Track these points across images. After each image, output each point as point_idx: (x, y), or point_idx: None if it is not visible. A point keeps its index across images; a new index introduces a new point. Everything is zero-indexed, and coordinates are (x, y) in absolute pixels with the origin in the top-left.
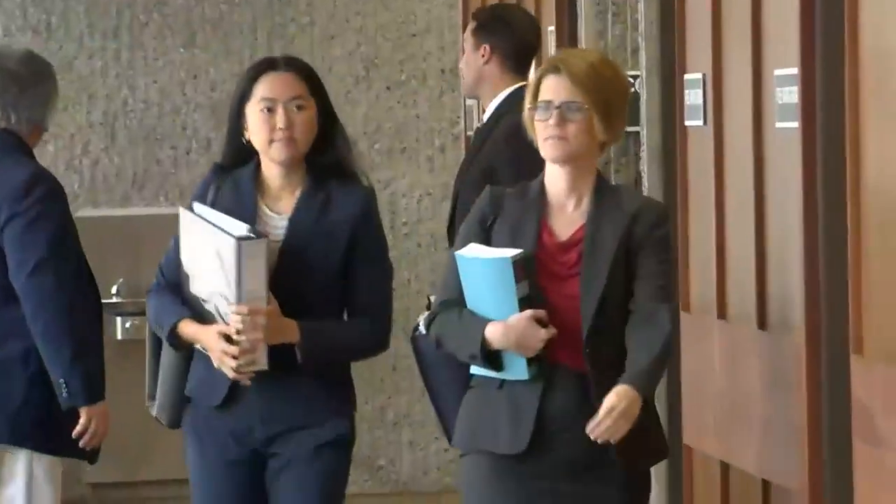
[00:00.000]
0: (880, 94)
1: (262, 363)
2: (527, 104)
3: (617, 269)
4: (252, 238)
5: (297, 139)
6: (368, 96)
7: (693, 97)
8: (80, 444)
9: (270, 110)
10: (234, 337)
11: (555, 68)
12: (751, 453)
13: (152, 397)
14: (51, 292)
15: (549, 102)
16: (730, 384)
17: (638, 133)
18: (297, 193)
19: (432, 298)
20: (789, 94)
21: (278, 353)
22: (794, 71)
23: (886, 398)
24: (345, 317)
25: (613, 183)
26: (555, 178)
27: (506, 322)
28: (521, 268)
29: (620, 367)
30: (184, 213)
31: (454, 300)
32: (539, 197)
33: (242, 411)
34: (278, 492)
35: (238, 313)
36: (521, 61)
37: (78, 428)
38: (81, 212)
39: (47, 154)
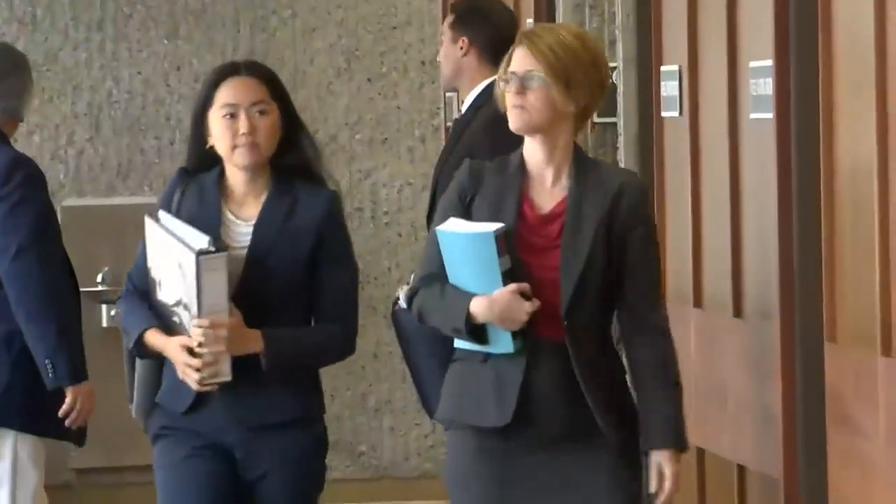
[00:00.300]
0: (853, 86)
1: (226, 374)
2: (500, 76)
3: (598, 243)
4: (212, 252)
5: (260, 144)
6: (350, 88)
7: (669, 88)
8: (67, 422)
9: (233, 116)
10: (196, 350)
11: (521, 40)
12: (726, 439)
13: (132, 399)
14: (35, 276)
15: (513, 73)
16: (706, 371)
17: (615, 124)
18: (263, 198)
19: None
20: (764, 86)
21: (243, 363)
22: (769, 63)
23: (859, 384)
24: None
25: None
26: (531, 151)
27: (490, 296)
28: (503, 242)
29: (598, 337)
30: (149, 222)
31: (435, 274)
32: (519, 170)
33: (208, 418)
34: (256, 498)
35: (199, 326)
36: (499, 54)
37: (64, 407)
38: (67, 201)
39: (33, 144)
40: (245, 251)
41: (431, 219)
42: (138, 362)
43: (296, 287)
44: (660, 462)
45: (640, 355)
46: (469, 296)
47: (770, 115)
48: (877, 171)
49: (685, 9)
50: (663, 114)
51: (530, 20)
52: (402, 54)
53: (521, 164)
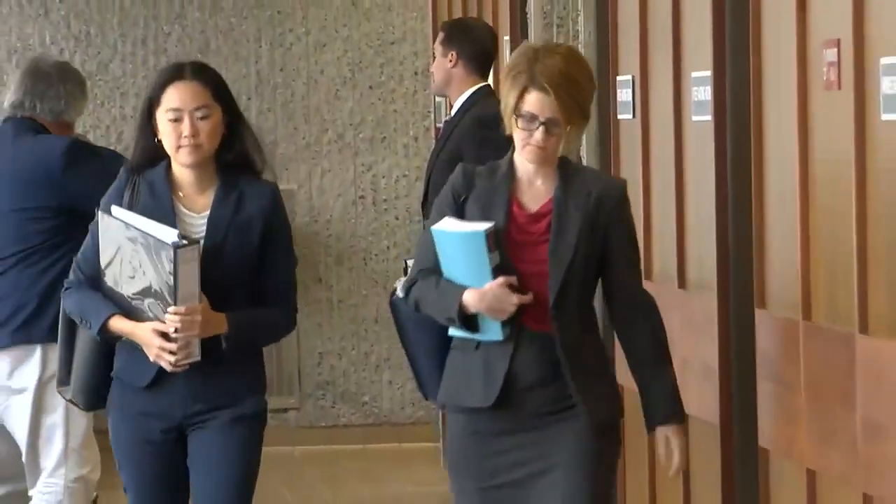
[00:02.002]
0: (778, 93)
1: (196, 355)
2: (508, 106)
3: (582, 240)
4: (186, 244)
5: (203, 144)
6: (354, 94)
7: (624, 95)
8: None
9: (178, 119)
10: (172, 335)
11: (541, 86)
12: None
13: (63, 382)
14: None
15: (534, 116)
16: None
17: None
18: (211, 192)
19: (409, 262)
20: (703, 93)
21: (204, 341)
22: (708, 73)
23: (785, 344)
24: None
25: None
26: (524, 161)
27: (481, 288)
28: (493, 239)
29: (581, 324)
30: (102, 216)
31: (430, 269)
32: (508, 174)
33: (167, 392)
34: (196, 462)
35: (176, 314)
36: (482, 65)
37: None
38: None
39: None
40: (201, 242)
41: (424, 205)
42: (80, 345)
43: (246, 273)
44: (667, 436)
45: (636, 333)
46: (462, 288)
47: (709, 118)
48: (798, 163)
49: (637, 28)
50: (619, 117)
51: (507, 37)
52: (398, 66)
53: (511, 167)
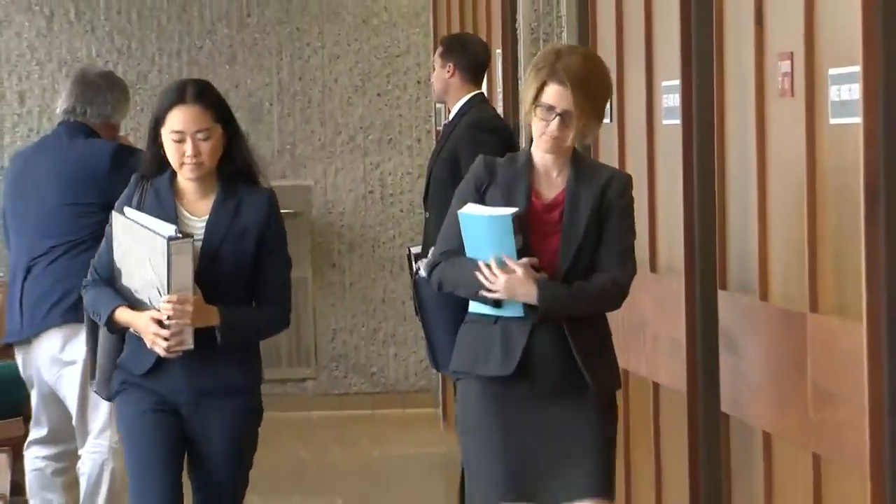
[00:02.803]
0: (739, 100)
1: (189, 343)
2: (528, 97)
3: (591, 226)
4: (179, 238)
5: (204, 162)
6: (364, 101)
7: None
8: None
9: (180, 140)
10: (166, 322)
11: (559, 78)
12: (644, 363)
13: (92, 377)
14: None
15: (552, 108)
16: (630, 314)
17: None
18: (211, 198)
19: (412, 249)
20: (673, 100)
21: (199, 336)
22: (677, 82)
23: (744, 321)
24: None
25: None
26: (541, 154)
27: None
28: (518, 223)
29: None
30: (116, 216)
31: (453, 251)
32: (526, 165)
33: (165, 378)
34: (201, 451)
35: (169, 302)
36: (477, 75)
37: None
38: None
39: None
40: (199, 243)
41: (426, 199)
42: (100, 341)
43: (242, 273)
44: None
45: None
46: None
47: (678, 122)
48: (755, 162)
49: (614, 42)
50: None
51: (499, 50)
52: (402, 76)
53: (529, 160)
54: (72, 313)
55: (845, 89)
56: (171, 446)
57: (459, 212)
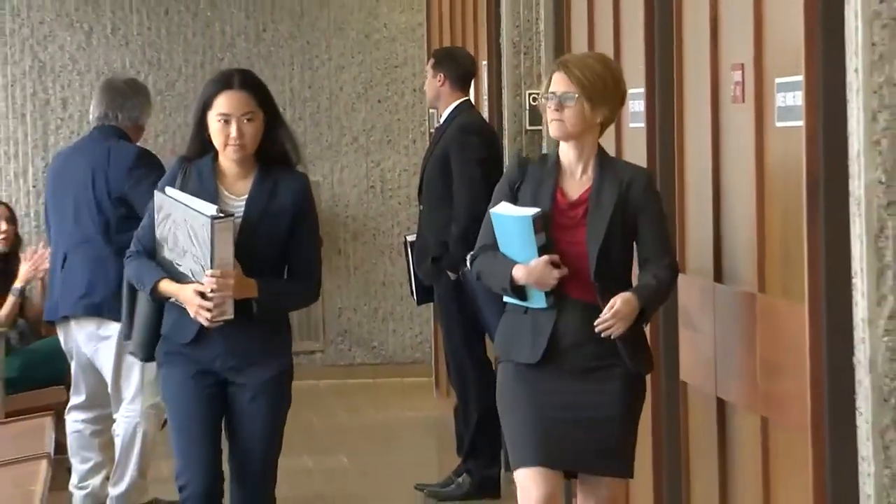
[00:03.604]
0: (696, 106)
1: (230, 313)
2: (542, 94)
3: (615, 222)
4: (222, 217)
5: (247, 144)
6: (366, 106)
7: None
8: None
9: (226, 122)
10: (209, 294)
11: (559, 65)
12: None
13: (128, 337)
14: None
15: (553, 93)
16: None
17: (541, 131)
18: (250, 179)
19: (408, 238)
20: (638, 105)
21: (237, 305)
22: (641, 90)
23: (699, 301)
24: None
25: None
26: (565, 152)
27: (528, 265)
28: (540, 223)
29: (621, 292)
30: (158, 195)
31: (490, 245)
32: (555, 166)
33: (207, 347)
34: (239, 413)
35: (213, 276)
36: (465, 84)
37: None
38: None
39: (158, 144)
40: (239, 221)
41: (420, 193)
42: (140, 307)
43: (277, 249)
44: (621, 297)
45: (650, 270)
46: (512, 263)
47: (642, 125)
48: (711, 160)
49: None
50: None
51: (484, 62)
52: (400, 84)
53: (557, 161)
54: (94, 309)
55: (790, 96)
56: (211, 411)
57: (491, 211)
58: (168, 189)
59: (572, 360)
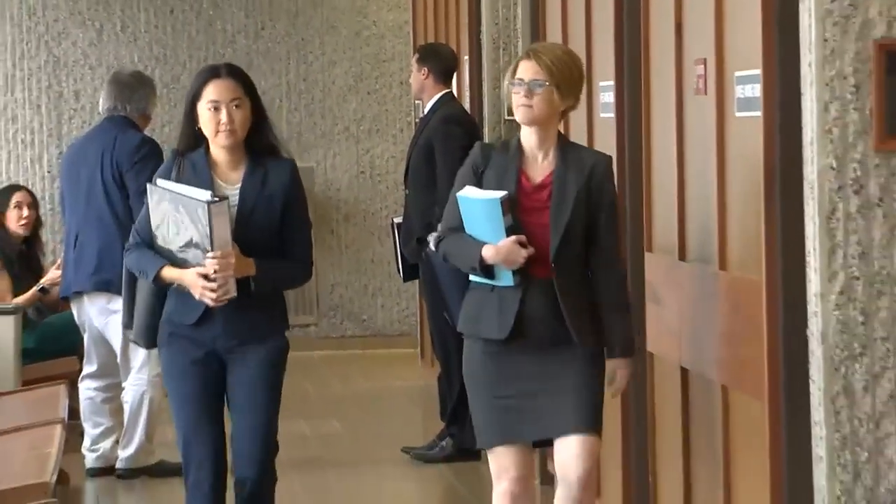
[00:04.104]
0: (662, 97)
1: (233, 292)
2: (507, 81)
3: (578, 205)
4: (217, 201)
5: (237, 130)
6: (357, 98)
7: None
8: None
9: (216, 109)
10: (212, 275)
11: (528, 55)
12: None
13: (127, 326)
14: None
15: (521, 80)
16: None
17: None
18: (242, 169)
19: (395, 220)
20: (608, 97)
21: (238, 284)
22: (611, 82)
23: (665, 277)
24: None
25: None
26: (527, 137)
27: (497, 245)
28: (507, 205)
29: (577, 274)
30: (151, 188)
31: (455, 228)
32: (517, 151)
33: (207, 328)
34: (239, 389)
35: (214, 257)
36: (447, 77)
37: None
38: None
39: (164, 133)
40: (234, 208)
41: (406, 178)
42: (140, 295)
43: (270, 233)
44: (614, 367)
45: (602, 279)
46: (481, 244)
47: (612, 115)
48: (675, 147)
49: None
50: None
51: (466, 56)
52: (388, 78)
53: (519, 146)
54: (104, 285)
55: (748, 88)
56: (212, 389)
57: (458, 194)
58: (160, 181)
59: (537, 335)
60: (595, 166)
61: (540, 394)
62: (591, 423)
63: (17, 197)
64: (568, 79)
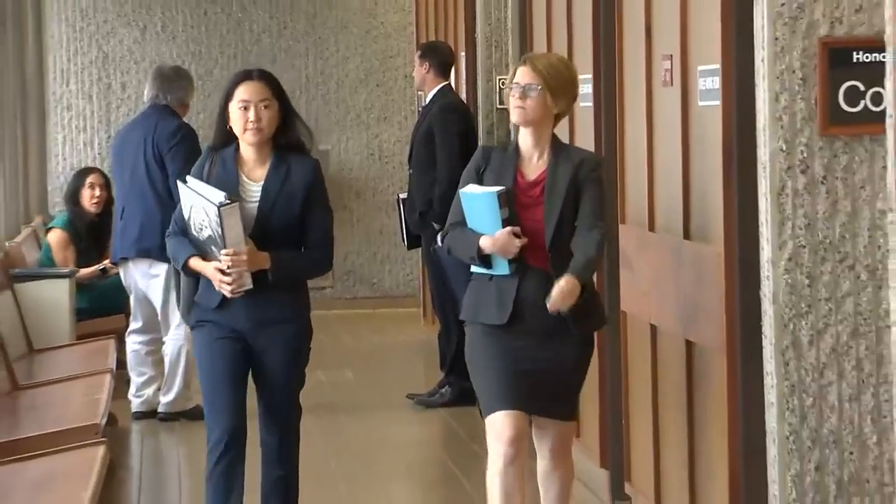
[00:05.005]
0: (634, 89)
1: (249, 284)
2: (507, 85)
3: (568, 199)
4: (228, 203)
5: (264, 128)
6: (367, 89)
7: None
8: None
9: (246, 108)
10: (226, 270)
11: (524, 62)
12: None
13: (177, 304)
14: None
15: (517, 84)
16: None
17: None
18: (267, 166)
19: (401, 196)
20: (587, 88)
21: (257, 274)
22: (590, 76)
23: (636, 245)
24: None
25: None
26: (524, 138)
27: (493, 236)
28: (504, 199)
29: (570, 261)
30: (180, 185)
31: (458, 222)
32: (514, 152)
33: (232, 312)
34: (262, 363)
35: (227, 255)
36: (445, 71)
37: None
38: None
39: (199, 120)
40: (256, 203)
41: (410, 160)
42: (182, 279)
43: (291, 226)
44: (560, 280)
45: (580, 235)
46: (479, 236)
47: (591, 104)
48: (646, 133)
49: (545, 45)
50: None
51: (463, 53)
52: (395, 72)
53: (516, 147)
54: (145, 252)
55: (709, 81)
56: (235, 367)
57: (460, 191)
58: (189, 179)
59: (533, 322)
60: (583, 161)
61: (533, 375)
62: (570, 413)
63: (90, 178)
64: (559, 84)
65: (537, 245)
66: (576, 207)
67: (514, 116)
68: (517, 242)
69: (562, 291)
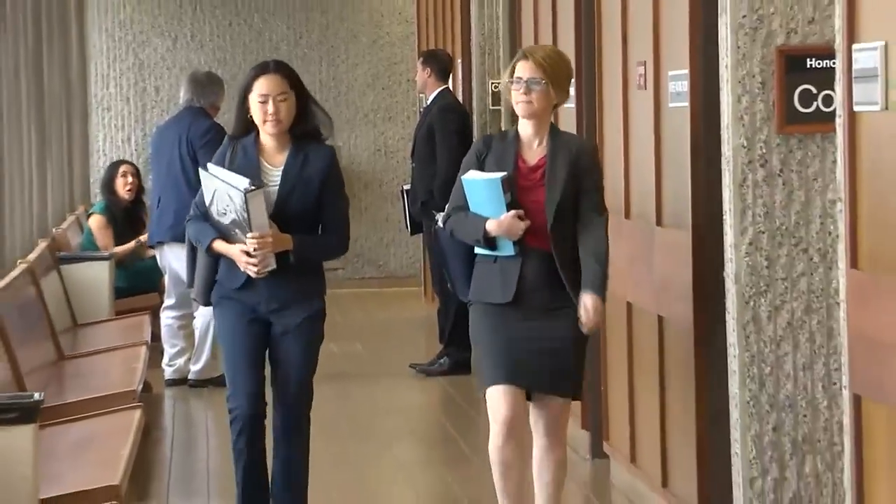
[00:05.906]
0: (613, 92)
1: (272, 265)
2: (505, 78)
3: (568, 183)
4: (253, 189)
5: (282, 120)
6: (374, 92)
7: None
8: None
9: (264, 101)
10: (252, 252)
11: (524, 56)
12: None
13: (191, 285)
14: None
15: (519, 78)
16: None
17: (499, 110)
18: (286, 153)
19: (405, 188)
20: (570, 91)
21: (279, 257)
22: (572, 79)
23: (613, 231)
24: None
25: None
26: (525, 127)
27: (498, 219)
28: (507, 184)
29: (570, 244)
30: (203, 172)
31: (461, 207)
32: (515, 139)
33: (252, 293)
34: (279, 345)
35: (252, 238)
36: (445, 76)
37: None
38: None
39: (224, 119)
40: (277, 188)
41: (413, 155)
42: (199, 260)
43: (308, 210)
44: (585, 299)
45: (584, 239)
46: (485, 219)
47: (573, 106)
48: (622, 131)
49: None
50: None
51: (459, 60)
52: (398, 76)
53: (517, 134)
54: (180, 237)
55: (679, 84)
56: (256, 346)
57: (462, 177)
58: (210, 166)
59: (535, 299)
60: (581, 150)
61: (535, 351)
62: (570, 388)
63: (123, 168)
64: (559, 75)
65: (538, 226)
66: (574, 190)
67: (520, 110)
68: (522, 225)
69: (589, 312)
